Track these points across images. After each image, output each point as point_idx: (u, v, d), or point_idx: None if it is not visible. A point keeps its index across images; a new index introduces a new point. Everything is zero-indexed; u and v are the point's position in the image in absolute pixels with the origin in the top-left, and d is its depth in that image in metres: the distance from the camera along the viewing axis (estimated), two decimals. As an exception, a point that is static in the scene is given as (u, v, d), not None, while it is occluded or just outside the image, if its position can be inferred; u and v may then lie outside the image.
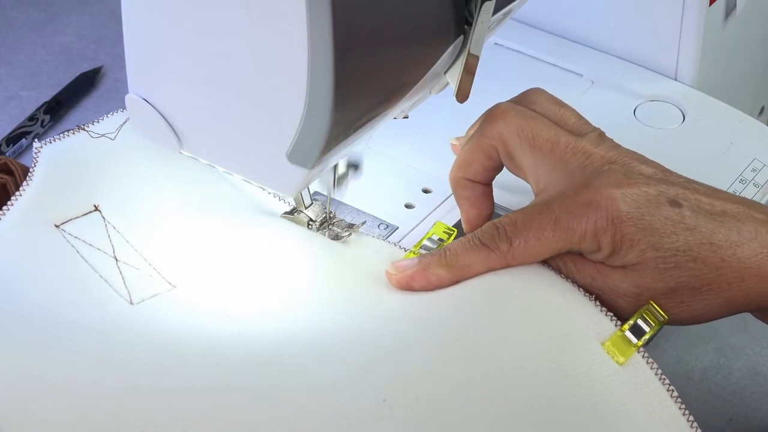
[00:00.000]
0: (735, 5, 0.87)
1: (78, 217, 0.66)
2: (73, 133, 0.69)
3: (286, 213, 0.69)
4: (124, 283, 0.64)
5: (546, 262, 0.62)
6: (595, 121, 0.82)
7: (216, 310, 0.63)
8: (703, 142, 0.80)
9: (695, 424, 0.57)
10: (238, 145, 0.60)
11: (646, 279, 0.59)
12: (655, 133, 0.81)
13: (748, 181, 0.76)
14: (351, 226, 0.68)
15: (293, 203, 0.69)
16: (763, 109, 0.99)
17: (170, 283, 0.65)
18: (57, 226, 0.65)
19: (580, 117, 0.67)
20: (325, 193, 0.70)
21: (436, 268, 0.62)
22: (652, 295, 0.60)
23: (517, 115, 0.65)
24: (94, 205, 0.67)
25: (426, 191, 0.75)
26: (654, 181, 0.61)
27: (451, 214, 0.73)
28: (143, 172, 0.69)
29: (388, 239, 0.69)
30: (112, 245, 0.66)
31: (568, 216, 0.60)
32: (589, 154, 0.63)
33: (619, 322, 0.60)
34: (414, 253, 0.66)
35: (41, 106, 0.91)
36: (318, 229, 0.68)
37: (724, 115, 0.83)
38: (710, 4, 0.82)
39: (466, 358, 0.58)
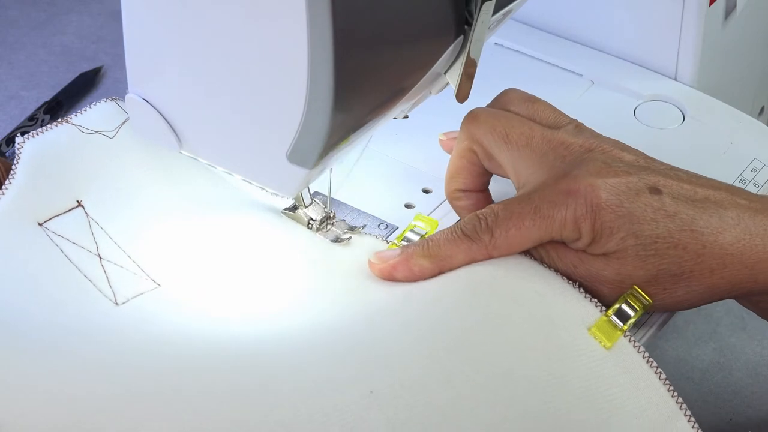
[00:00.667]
0: (735, 5, 0.87)
1: (61, 213, 0.65)
2: (56, 126, 0.68)
3: (286, 209, 0.69)
4: (109, 282, 0.64)
5: (528, 252, 0.63)
6: (595, 121, 0.82)
7: (204, 310, 0.63)
8: (703, 142, 0.80)
9: (684, 406, 0.58)
10: (238, 145, 0.60)
11: (627, 266, 0.60)
12: (655, 133, 0.81)
13: (748, 181, 0.76)
14: (352, 228, 0.68)
15: (294, 201, 0.69)
16: (763, 109, 0.99)
17: (155, 281, 0.65)
18: (40, 224, 0.65)
19: (555, 110, 0.67)
20: (325, 193, 0.70)
21: (419, 258, 0.62)
22: (634, 282, 0.60)
23: (489, 115, 0.65)
24: (77, 201, 0.66)
25: (426, 191, 0.75)
26: (634, 169, 0.61)
27: (451, 213, 0.73)
28: (128, 165, 0.68)
29: (388, 239, 0.69)
30: (96, 243, 0.65)
31: (548, 205, 0.60)
32: (567, 145, 0.63)
33: (603, 308, 0.60)
34: (396, 245, 0.66)
35: (41, 106, 0.91)
36: (318, 229, 0.68)
37: (724, 115, 0.83)
38: (710, 4, 0.82)
39: (451, 349, 0.58)
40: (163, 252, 0.66)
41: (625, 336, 0.59)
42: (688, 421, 0.57)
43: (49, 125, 0.68)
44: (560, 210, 0.60)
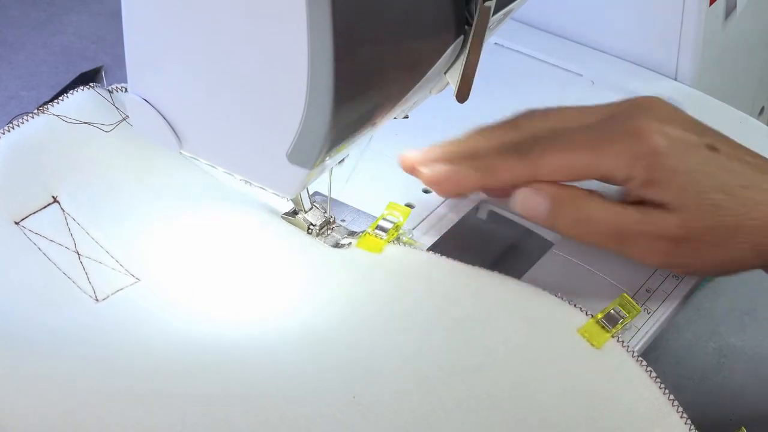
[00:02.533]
0: (735, 5, 0.87)
1: (37, 211, 0.65)
2: (33, 117, 0.66)
3: (286, 214, 0.69)
4: (88, 279, 0.63)
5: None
6: (595, 121, 0.82)
7: (187, 306, 0.63)
8: (703, 142, 0.80)
9: (676, 402, 0.58)
10: (238, 145, 0.59)
11: (686, 217, 0.59)
12: (655, 133, 0.80)
13: (748, 181, 0.76)
14: (352, 234, 0.68)
15: (293, 204, 0.69)
16: (763, 109, 0.99)
17: (134, 276, 0.64)
18: (17, 223, 0.64)
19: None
20: (325, 193, 0.70)
21: (466, 169, 0.63)
22: (695, 235, 0.60)
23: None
24: (53, 197, 0.65)
25: (426, 191, 0.75)
26: (693, 126, 0.62)
27: (451, 214, 0.73)
28: (108, 158, 0.67)
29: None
30: (73, 239, 0.64)
31: (606, 139, 0.60)
32: (630, 101, 0.64)
33: (591, 313, 0.61)
34: (369, 234, 0.66)
35: (41, 106, 0.91)
36: (318, 234, 0.68)
37: (724, 115, 0.83)
38: (710, 4, 0.82)
39: (434, 354, 0.59)
40: (142, 246, 0.65)
41: (614, 338, 0.60)
42: (681, 417, 0.57)
43: (25, 116, 0.66)
44: (618, 146, 0.60)
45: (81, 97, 0.68)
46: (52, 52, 0.99)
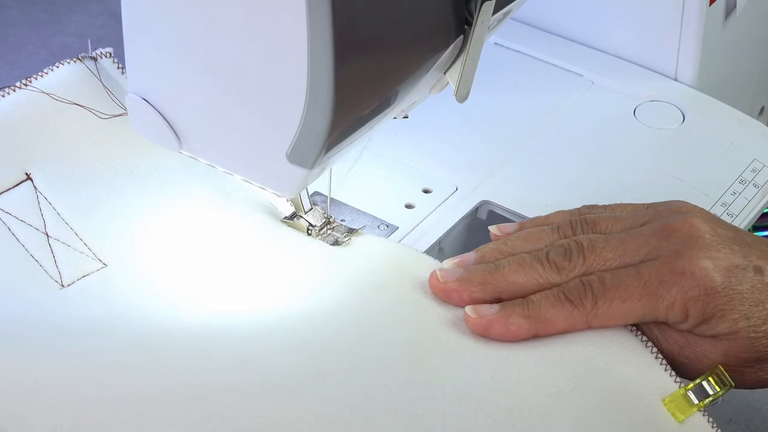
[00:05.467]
0: (735, 5, 0.87)
1: (10, 188, 0.63)
2: (15, 90, 0.65)
3: (286, 218, 0.68)
4: (56, 262, 0.61)
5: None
6: (595, 121, 0.82)
7: (155, 294, 0.61)
8: (703, 143, 0.80)
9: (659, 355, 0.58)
10: (238, 145, 0.60)
11: (735, 348, 0.59)
12: (655, 133, 0.81)
13: (748, 182, 0.76)
14: (351, 231, 0.68)
15: (293, 205, 0.69)
16: (763, 109, 0.99)
17: (101, 261, 0.62)
18: None
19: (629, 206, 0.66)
20: (325, 193, 0.69)
21: (517, 317, 0.60)
22: (739, 363, 0.59)
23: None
24: (26, 173, 0.63)
25: (426, 191, 0.75)
26: (737, 246, 0.60)
27: (451, 214, 0.73)
28: (84, 136, 0.65)
29: (388, 239, 0.69)
30: (44, 219, 0.62)
31: (657, 283, 0.59)
32: (671, 228, 0.61)
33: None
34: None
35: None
36: (318, 235, 0.67)
37: (724, 115, 0.83)
38: (710, 4, 0.82)
39: (431, 354, 0.58)
40: (114, 231, 0.63)
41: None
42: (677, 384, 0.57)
43: (7, 89, 0.64)
44: (671, 290, 0.59)
45: (66, 71, 0.66)
46: (52, 52, 0.99)
